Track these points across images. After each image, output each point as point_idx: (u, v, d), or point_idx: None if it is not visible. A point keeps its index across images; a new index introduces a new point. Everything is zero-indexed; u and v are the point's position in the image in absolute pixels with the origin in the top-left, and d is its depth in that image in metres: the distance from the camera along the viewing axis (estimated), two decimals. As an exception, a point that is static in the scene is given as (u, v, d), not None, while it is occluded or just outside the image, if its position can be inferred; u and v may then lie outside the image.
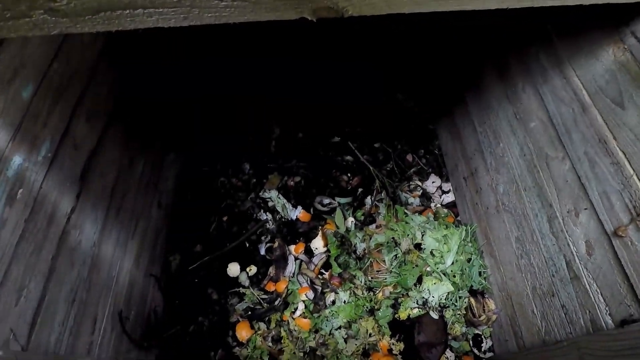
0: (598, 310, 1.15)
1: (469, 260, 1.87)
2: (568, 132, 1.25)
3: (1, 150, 1.09)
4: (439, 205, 2.32)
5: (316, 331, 1.82)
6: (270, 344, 1.82)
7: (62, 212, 1.33)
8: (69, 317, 1.34)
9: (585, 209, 1.19)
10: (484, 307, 1.81)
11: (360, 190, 2.30)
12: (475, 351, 1.81)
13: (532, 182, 1.44)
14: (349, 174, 2.38)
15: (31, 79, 1.21)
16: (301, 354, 1.80)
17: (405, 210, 2.07)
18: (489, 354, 1.81)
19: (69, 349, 1.32)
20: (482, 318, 1.75)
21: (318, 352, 1.79)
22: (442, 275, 1.80)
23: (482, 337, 1.82)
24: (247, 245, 2.10)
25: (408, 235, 1.89)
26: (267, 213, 2.15)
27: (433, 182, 2.43)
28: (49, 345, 1.25)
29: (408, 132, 2.63)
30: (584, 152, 1.18)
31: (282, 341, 1.82)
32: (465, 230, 1.90)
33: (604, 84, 1.10)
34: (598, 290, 1.15)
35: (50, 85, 1.29)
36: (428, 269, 1.83)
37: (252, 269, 2.05)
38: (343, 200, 2.21)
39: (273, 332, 1.85)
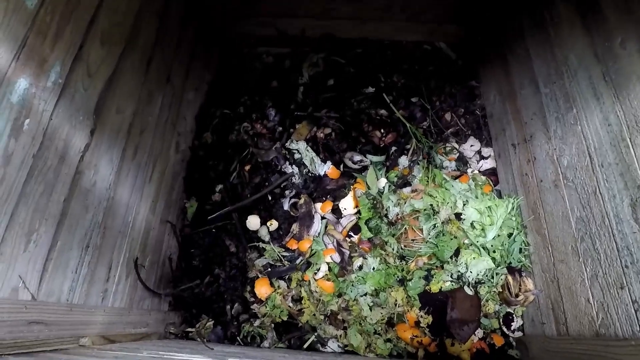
0: (681, 312, 1.01)
1: (510, 235, 1.72)
2: (678, 103, 1.03)
3: (2, 70, 0.90)
4: (476, 171, 2.13)
5: (339, 295, 1.72)
6: (290, 303, 1.73)
7: (75, 149, 1.17)
8: (83, 263, 1.23)
9: (686, 196, 1.01)
10: (520, 285, 1.69)
11: (394, 148, 2.10)
12: (504, 329, 1.71)
13: (616, 158, 1.24)
14: (382, 130, 2.17)
15: (38, -15, 0.99)
16: (321, 317, 1.72)
17: (444, 175, 1.89)
18: (517, 333, 1.72)
19: (82, 297, 1.22)
20: (519, 298, 1.63)
21: (339, 317, 1.70)
22: (482, 250, 1.66)
23: (514, 315, 1.72)
24: (270, 198, 1.95)
25: (448, 203, 1.72)
26: (293, 166, 1.98)
27: (471, 146, 2.23)
28: (62, 294, 1.14)
29: (448, 87, 2.38)
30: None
31: (303, 302, 1.73)
32: (511, 203, 1.73)
33: None
34: (686, 289, 1.00)
35: (60, -4, 1.07)
36: (466, 241, 1.68)
37: (274, 224, 1.91)
38: (375, 158, 2.02)
39: (293, 292, 1.76)
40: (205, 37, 2.19)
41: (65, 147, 1.13)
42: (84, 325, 1.19)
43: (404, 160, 2.07)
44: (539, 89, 1.68)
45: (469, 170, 2.13)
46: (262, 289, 1.74)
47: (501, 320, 1.71)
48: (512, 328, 1.72)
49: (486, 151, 2.20)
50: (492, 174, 2.12)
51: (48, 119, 1.06)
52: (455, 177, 2.00)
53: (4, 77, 0.90)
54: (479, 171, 2.14)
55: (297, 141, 1.99)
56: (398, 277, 1.66)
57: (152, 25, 1.61)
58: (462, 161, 2.18)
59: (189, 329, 1.77)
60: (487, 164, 2.17)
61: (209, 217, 1.85)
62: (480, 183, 2.00)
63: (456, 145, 2.21)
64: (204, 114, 2.14)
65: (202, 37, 2.14)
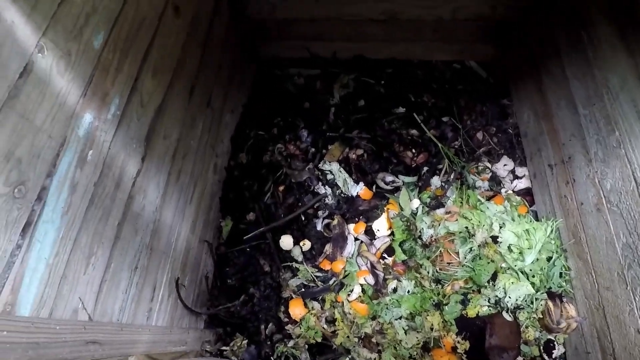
0: None
1: (549, 259, 1.69)
2: None
3: (72, 107, 0.97)
4: (510, 191, 2.11)
5: (373, 318, 1.72)
6: (324, 325, 1.74)
7: (128, 175, 1.24)
8: (132, 284, 1.28)
9: None
10: (561, 312, 1.65)
11: (426, 168, 2.11)
12: (545, 357, 1.67)
13: (661, 185, 1.22)
14: (413, 150, 2.18)
15: (102, 27, 1.07)
16: (355, 339, 1.72)
17: (479, 197, 1.88)
18: (558, 361, 1.67)
19: (130, 317, 1.27)
20: (562, 325, 1.59)
21: (374, 340, 1.70)
22: (520, 274, 1.64)
23: (555, 343, 1.68)
24: (303, 218, 1.99)
25: (484, 226, 1.71)
26: (326, 187, 2.01)
27: (505, 165, 2.21)
28: (113, 314, 1.19)
29: (479, 106, 2.38)
30: None
31: (336, 323, 1.74)
32: (550, 226, 1.70)
33: None
34: None
35: (120, 35, 1.16)
36: (504, 265, 1.66)
37: (306, 244, 1.94)
38: (408, 179, 2.03)
39: (327, 313, 1.77)
40: (241, 60, 2.27)
41: (120, 174, 1.19)
42: (132, 344, 1.24)
43: (436, 181, 2.07)
44: (577, 110, 1.66)
45: (503, 190, 2.11)
46: (297, 309, 1.76)
47: (542, 347, 1.67)
48: (554, 356, 1.67)
49: (520, 171, 2.18)
50: (526, 194, 2.09)
51: (107, 149, 1.13)
52: (489, 198, 1.98)
53: (73, 113, 0.97)
54: (513, 191, 2.11)
55: (329, 162, 2.03)
56: (434, 300, 1.65)
57: (196, 54, 1.69)
58: (495, 181, 2.16)
59: (224, 348, 1.80)
60: (522, 184, 2.14)
61: (244, 237, 1.90)
62: (515, 203, 1.98)
63: (489, 165, 2.19)
64: (239, 135, 2.21)
65: (238, 60, 2.23)
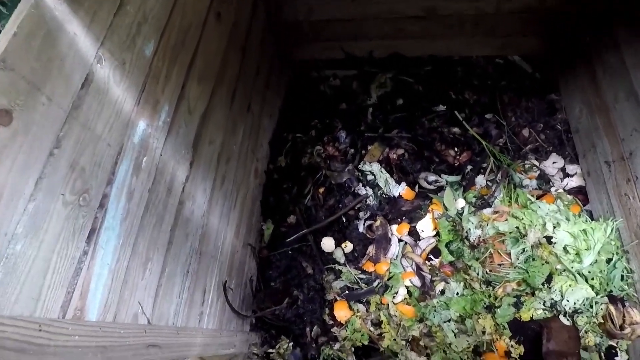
0: None
1: (609, 260, 1.59)
2: None
3: (128, 115, 1.00)
4: (560, 190, 2.01)
5: (420, 320, 1.68)
6: (370, 327, 1.71)
7: (178, 181, 1.26)
8: (184, 288, 1.31)
9: None
10: (624, 316, 1.55)
11: (469, 167, 2.04)
12: (607, 363, 1.57)
13: None
14: (456, 149, 2.12)
15: (152, 35, 1.09)
16: (403, 342, 1.68)
17: (529, 196, 1.80)
18: (622, 368, 1.57)
19: (184, 320, 1.30)
20: (626, 330, 1.50)
21: (421, 343, 1.66)
22: (577, 276, 1.55)
23: (617, 349, 1.57)
24: (344, 220, 1.97)
25: (536, 225, 1.63)
26: (367, 187, 1.98)
27: (554, 163, 2.10)
28: (169, 317, 1.22)
29: (525, 102, 2.28)
30: None
31: (382, 326, 1.71)
32: (610, 226, 1.60)
33: None
34: None
35: (168, 43, 1.18)
36: (559, 267, 1.58)
37: (348, 246, 1.92)
38: (451, 178, 1.97)
39: (372, 316, 1.74)
40: (277, 64, 2.28)
41: (171, 180, 1.22)
42: (187, 347, 1.26)
43: (481, 180, 2.00)
44: (639, 101, 1.55)
45: (553, 189, 2.01)
46: (342, 312, 1.74)
47: (603, 354, 1.57)
48: (616, 363, 1.57)
49: (571, 168, 2.07)
50: (578, 192, 1.98)
51: (159, 156, 1.15)
52: (538, 197, 1.89)
53: (128, 121, 1.00)
54: (564, 190, 2.01)
55: (370, 162, 2.00)
56: (485, 303, 1.59)
57: (236, 59, 1.71)
58: (544, 179, 2.06)
59: (270, 350, 1.81)
60: (573, 182, 2.03)
61: (287, 240, 1.90)
62: (566, 203, 1.88)
63: (536, 163, 2.10)
64: (277, 139, 2.22)
65: (275, 64, 2.24)
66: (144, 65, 1.06)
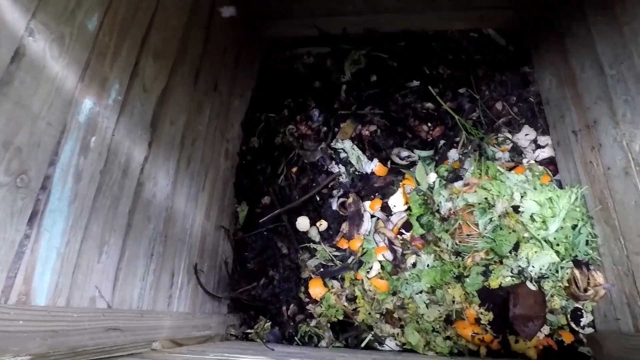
0: None
1: (574, 227, 1.61)
2: None
3: (70, 92, 0.96)
4: (532, 161, 2.02)
5: (394, 293, 1.69)
6: (345, 303, 1.72)
7: (135, 162, 1.23)
8: (149, 271, 1.29)
9: None
10: (589, 279, 1.58)
11: (442, 142, 2.04)
12: (573, 325, 1.61)
13: (697, 140, 1.13)
14: (429, 124, 2.11)
15: (96, 9, 1.04)
16: (377, 315, 1.70)
17: (498, 167, 1.80)
18: (587, 330, 1.61)
19: (150, 304, 1.29)
20: (588, 292, 1.53)
21: (395, 315, 1.68)
22: (544, 243, 1.57)
23: (583, 311, 1.61)
24: (318, 199, 1.96)
25: (504, 196, 1.65)
26: (340, 165, 1.97)
27: (526, 135, 2.11)
28: (132, 301, 1.20)
29: (498, 75, 2.26)
30: None
31: (357, 301, 1.72)
32: (575, 193, 1.62)
33: None
34: None
35: (116, 17, 1.13)
36: (526, 234, 1.60)
37: (323, 224, 1.92)
38: (423, 153, 1.97)
39: (347, 291, 1.75)
40: (247, 43, 2.23)
41: (127, 160, 1.19)
42: (154, 330, 1.26)
43: (453, 154, 2.00)
44: (604, 71, 1.55)
45: (525, 161, 2.02)
46: (316, 289, 1.75)
47: (569, 316, 1.61)
48: (582, 324, 1.62)
49: (543, 140, 2.08)
50: (550, 163, 2.00)
51: (111, 135, 1.12)
52: (510, 169, 1.90)
53: (72, 99, 0.96)
54: (536, 161, 2.02)
55: (342, 140, 1.98)
56: (454, 273, 1.61)
57: (199, 37, 1.66)
58: (517, 151, 2.07)
59: (249, 331, 1.82)
60: (545, 153, 2.05)
61: (260, 221, 1.89)
62: (537, 173, 1.90)
63: (509, 136, 2.10)
64: (250, 120, 2.18)
65: (245, 43, 2.18)
66: (87, 41, 1.02)
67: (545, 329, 1.61)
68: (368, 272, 1.74)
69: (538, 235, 1.58)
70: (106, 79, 1.09)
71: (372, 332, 1.69)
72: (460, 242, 1.64)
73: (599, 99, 1.57)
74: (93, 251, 1.04)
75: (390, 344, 1.68)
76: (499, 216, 1.61)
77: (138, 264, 1.24)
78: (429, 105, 2.14)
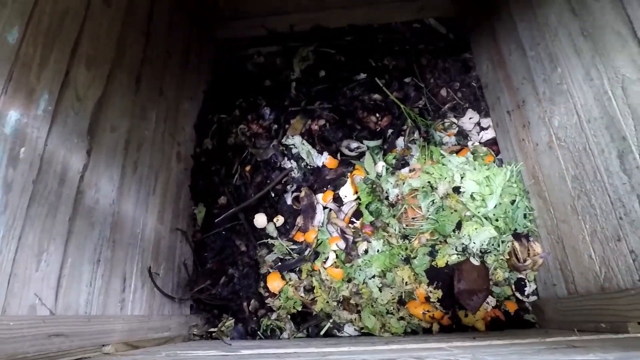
0: (679, 258, 1.00)
1: (513, 202, 1.71)
2: (655, 47, 1.01)
3: (-7, 106, 0.97)
4: (477, 143, 2.12)
5: (349, 280, 1.75)
6: (302, 294, 1.77)
7: (73, 170, 1.24)
8: (96, 277, 1.31)
9: (672, 141, 0.99)
10: (528, 250, 1.68)
11: (390, 131, 2.11)
12: (518, 295, 1.71)
13: (600, 112, 1.22)
14: (377, 114, 2.18)
15: (15, 21, 1.06)
16: (334, 303, 1.76)
17: (441, 151, 1.89)
18: (532, 298, 1.71)
19: (100, 309, 1.30)
20: (527, 262, 1.63)
21: (352, 301, 1.74)
22: (484, 220, 1.66)
23: (526, 281, 1.72)
24: (273, 195, 2.00)
25: (445, 178, 1.73)
26: (292, 161, 2.01)
27: (470, 118, 2.21)
28: (79, 307, 1.22)
29: (441, 63, 2.36)
30: (677, 71, 0.95)
31: (315, 291, 1.78)
32: (510, 170, 1.72)
33: None
34: (681, 235, 0.99)
35: (40, 28, 1.14)
36: (468, 213, 1.69)
37: (280, 220, 1.96)
38: (372, 143, 2.04)
39: (305, 282, 1.81)
40: (196, 45, 2.25)
41: (63, 169, 1.20)
42: (105, 334, 1.27)
43: (401, 142, 2.07)
44: (525, 52, 1.65)
45: (470, 143, 2.12)
46: (274, 283, 1.79)
47: (513, 286, 1.71)
48: (526, 293, 1.72)
49: (485, 122, 2.18)
50: (493, 144, 2.10)
51: (43, 145, 1.13)
52: (457, 152, 1.99)
53: (-5, 112, 0.97)
54: (480, 142, 2.12)
55: (292, 136, 2.03)
56: (402, 256, 1.68)
57: (138, 43, 1.67)
58: (462, 135, 2.16)
59: (212, 329, 1.85)
60: (488, 135, 2.15)
61: (215, 220, 1.92)
62: (482, 154, 1.99)
63: (455, 120, 2.19)
64: (202, 122, 2.20)
65: (192, 46, 2.20)
66: (7, 54, 1.03)
67: (492, 301, 1.70)
68: (324, 262, 1.80)
69: (478, 212, 1.67)
70: (33, 90, 1.10)
71: (331, 320, 1.75)
72: (407, 225, 1.71)
73: (525, 80, 1.67)
74: (30, 260, 1.05)
75: (348, 329, 1.74)
76: (441, 198, 1.69)
77: (83, 270, 1.25)
78: (377, 96, 2.21)
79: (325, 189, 1.95)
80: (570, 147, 1.39)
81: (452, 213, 1.66)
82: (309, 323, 1.78)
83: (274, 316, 1.81)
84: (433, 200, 1.68)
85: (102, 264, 1.34)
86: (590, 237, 1.33)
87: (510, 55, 1.79)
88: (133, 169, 1.57)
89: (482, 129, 2.18)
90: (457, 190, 1.72)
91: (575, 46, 1.32)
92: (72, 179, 1.23)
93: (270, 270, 1.86)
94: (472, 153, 2.00)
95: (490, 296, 1.69)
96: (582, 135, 1.32)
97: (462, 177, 1.73)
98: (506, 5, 1.79)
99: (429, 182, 1.73)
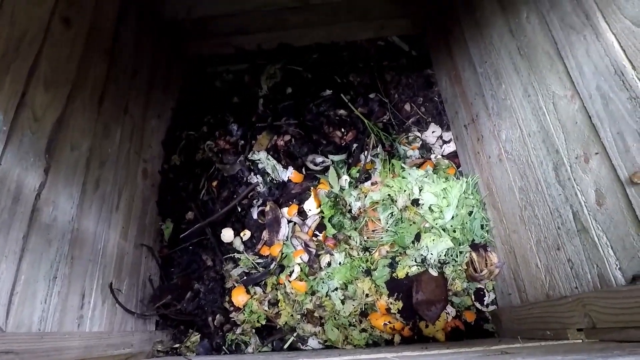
0: (607, 265, 1.05)
1: (470, 213, 1.77)
2: (578, 66, 1.09)
3: (-59, 127, 0.99)
4: (439, 156, 2.19)
5: (313, 293, 1.78)
6: (266, 307, 1.79)
7: (29, 188, 1.26)
8: (52, 294, 1.31)
9: (597, 153, 1.05)
10: (486, 261, 1.73)
11: (355, 145, 2.17)
12: (478, 305, 1.75)
13: (537, 127, 1.29)
14: (342, 129, 2.24)
15: (-33, 45, 1.08)
16: (298, 316, 1.77)
17: (403, 165, 1.95)
18: (491, 307, 1.75)
19: (55, 326, 1.30)
20: (483, 272, 1.68)
21: (316, 314, 1.76)
22: (442, 231, 1.71)
23: (485, 290, 1.76)
24: (239, 209, 2.03)
25: (405, 191, 1.78)
26: (258, 176, 2.05)
27: (433, 132, 2.28)
28: (32, 324, 1.22)
29: (405, 79, 2.44)
30: (597, 88, 1.03)
31: (279, 304, 1.79)
32: (466, 182, 1.78)
33: (624, 1, 0.92)
34: (608, 243, 1.05)
35: (-6, 51, 1.17)
36: (427, 225, 1.74)
37: (246, 234, 1.99)
38: (336, 157, 2.09)
39: (269, 296, 1.82)
40: (164, 64, 2.29)
41: (18, 187, 1.22)
42: (59, 351, 1.27)
43: (367, 156, 2.13)
44: (476, 69, 1.73)
45: (433, 156, 2.18)
46: (239, 297, 1.81)
47: (473, 296, 1.75)
48: (485, 303, 1.76)
49: (447, 135, 2.25)
50: (455, 156, 2.17)
51: (-4, 165, 1.15)
52: (419, 165, 2.05)
53: (-57, 133, 1.00)
54: (442, 155, 2.19)
55: (258, 152, 2.07)
56: (363, 268, 1.72)
57: (101, 62, 1.70)
58: (426, 148, 2.23)
59: (177, 345, 1.85)
60: (450, 148, 2.22)
61: (181, 236, 1.94)
62: (443, 167, 2.06)
63: (418, 134, 2.26)
64: (171, 138, 2.23)
65: (160, 64, 2.24)
66: (-42, 77, 1.06)
67: (452, 311, 1.74)
68: (289, 275, 1.82)
69: (436, 224, 1.72)
70: (-15, 111, 1.13)
71: (295, 334, 1.76)
72: (368, 238, 1.75)
73: (477, 95, 1.75)
74: (-22, 278, 1.06)
75: (312, 342, 1.76)
76: (400, 210, 1.74)
77: (38, 287, 1.26)
78: (342, 112, 2.27)
79: (290, 203, 1.99)
80: (516, 160, 1.46)
81: (410, 225, 1.71)
82: (273, 337, 1.79)
83: (238, 330, 1.81)
84: (392, 212, 1.72)
85: (59, 280, 1.35)
86: (536, 247, 1.39)
87: (464, 72, 1.87)
88: (94, 187, 1.59)
89: (445, 142, 2.26)
90: (416, 202, 1.77)
91: (514, 64, 1.40)
92: (27, 197, 1.25)
93: (236, 285, 1.87)
94: (435, 166, 2.06)
95: (450, 306, 1.73)
96: (525, 149, 1.39)
97: (420, 190, 1.78)
98: (458, 25, 1.88)
99: (389, 195, 1.78)
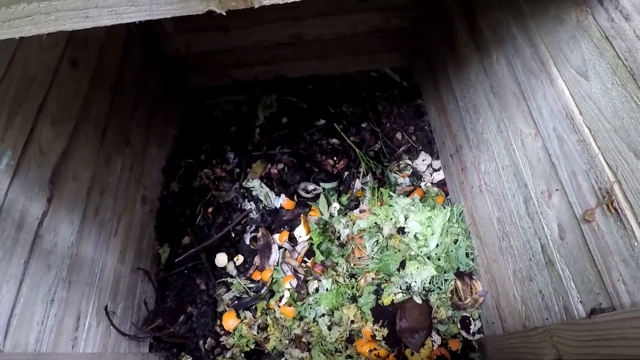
0: (570, 298, 1.09)
1: (455, 241, 1.82)
2: (539, 107, 1.16)
3: (-47, 163, 1.09)
4: (429, 183, 2.25)
5: (301, 319, 1.83)
6: (255, 332, 1.84)
7: (32, 217, 1.35)
8: (48, 316, 1.39)
9: (557, 189, 1.11)
10: (471, 289, 1.77)
11: (346, 173, 2.25)
12: (464, 333, 1.78)
13: (509, 161, 1.36)
14: (334, 158, 2.33)
15: (-17, 89, 1.20)
16: (287, 341, 1.82)
17: (391, 193, 2.01)
18: (478, 336, 1.78)
19: (50, 347, 1.37)
20: (467, 301, 1.71)
21: (303, 339, 1.80)
22: (426, 259, 1.76)
23: (471, 319, 1.79)
24: (233, 235, 2.11)
25: (391, 219, 1.84)
26: (251, 202, 2.14)
27: (423, 160, 2.36)
28: (28, 344, 1.29)
29: (396, 108, 2.54)
30: (553, 129, 1.10)
31: (268, 329, 1.84)
32: (451, 210, 1.84)
33: (569, 52, 1.00)
34: (570, 276, 1.09)
35: (7, 94, 1.29)
36: (412, 253, 1.79)
37: (239, 259, 2.06)
38: (328, 185, 2.17)
39: (259, 321, 1.87)
40: (165, 96, 2.42)
41: (22, 216, 1.31)
42: (52, 371, 1.34)
43: (357, 184, 2.21)
44: (458, 103, 1.82)
45: (423, 184, 2.25)
46: (229, 321, 1.86)
47: (459, 324, 1.78)
48: (471, 331, 1.78)
49: (436, 163, 2.33)
50: (444, 184, 2.23)
51: (3, 196, 1.25)
52: (409, 192, 2.12)
53: (-45, 168, 1.10)
54: (432, 183, 2.25)
55: (252, 179, 2.16)
56: (349, 294, 1.77)
57: (104, 99, 1.83)
58: (416, 176, 2.30)
59: (169, 368, 1.90)
60: (439, 176, 2.29)
61: (176, 260, 2.01)
62: (433, 195, 2.12)
63: (409, 162, 2.34)
64: (171, 166, 2.34)
65: (161, 97, 2.37)
66: (-27, 117, 1.17)
67: (438, 339, 1.77)
68: (279, 300, 1.87)
69: (420, 252, 1.77)
70: (-5, 148, 1.24)
71: (283, 358, 1.80)
72: (354, 265, 1.81)
73: (459, 127, 1.83)
74: (-20, 301, 1.14)
75: (300, 367, 1.80)
76: (385, 238, 1.80)
77: (35, 309, 1.33)
78: (335, 140, 2.36)
79: (282, 229, 2.06)
80: (493, 191, 1.52)
81: (395, 253, 1.76)
82: (263, 361, 1.83)
83: (228, 354, 1.86)
84: (377, 240, 1.78)
85: (57, 303, 1.42)
86: (513, 277, 1.43)
87: (449, 104, 1.95)
88: (94, 214, 1.69)
89: (434, 170, 2.33)
90: (402, 230, 1.83)
91: (488, 101, 1.48)
92: (30, 225, 1.34)
93: (227, 309, 1.93)
94: (424, 193, 2.13)
95: (436, 334, 1.76)
96: (500, 181, 1.45)
97: (406, 218, 1.84)
98: (443, 61, 1.97)
99: (375, 222, 1.85)
